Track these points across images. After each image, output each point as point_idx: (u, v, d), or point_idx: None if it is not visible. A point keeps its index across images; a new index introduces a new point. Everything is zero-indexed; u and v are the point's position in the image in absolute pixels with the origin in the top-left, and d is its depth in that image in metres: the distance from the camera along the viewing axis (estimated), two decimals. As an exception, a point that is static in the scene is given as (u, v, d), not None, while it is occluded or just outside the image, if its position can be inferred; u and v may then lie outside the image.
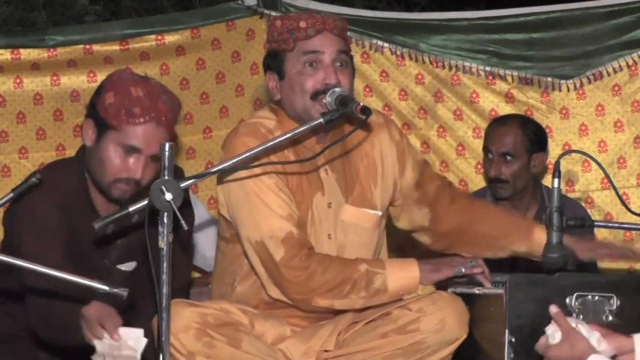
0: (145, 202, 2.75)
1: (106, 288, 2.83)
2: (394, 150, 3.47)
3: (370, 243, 3.43)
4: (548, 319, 2.82)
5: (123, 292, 2.82)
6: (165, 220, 2.70)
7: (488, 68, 4.83)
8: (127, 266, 3.53)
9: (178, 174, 3.61)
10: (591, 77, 4.79)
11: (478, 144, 4.77)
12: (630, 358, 2.73)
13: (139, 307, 3.42)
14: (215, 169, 3.01)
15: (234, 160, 2.95)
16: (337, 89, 3.21)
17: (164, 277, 2.70)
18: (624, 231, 4.73)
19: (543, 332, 2.82)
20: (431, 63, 4.85)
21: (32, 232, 3.33)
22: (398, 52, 4.86)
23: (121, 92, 3.36)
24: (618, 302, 3.09)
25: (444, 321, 3.18)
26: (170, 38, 4.80)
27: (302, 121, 3.25)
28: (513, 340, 3.07)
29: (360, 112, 3.07)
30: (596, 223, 3.82)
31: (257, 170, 3.25)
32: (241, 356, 3.18)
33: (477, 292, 3.29)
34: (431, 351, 3.20)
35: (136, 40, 4.77)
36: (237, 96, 4.89)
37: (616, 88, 4.77)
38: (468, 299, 3.28)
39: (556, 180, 3.19)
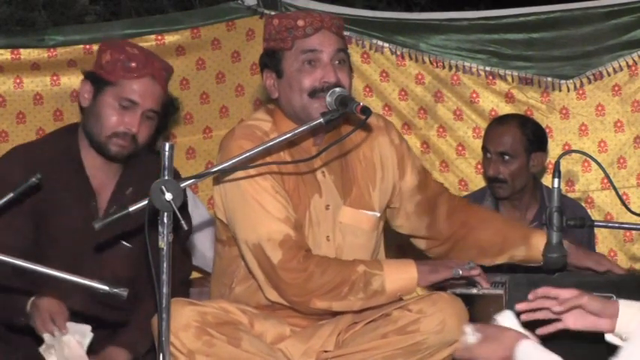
0: (145, 202, 2.75)
1: (106, 288, 2.83)
2: (394, 154, 3.47)
3: (368, 244, 3.43)
4: (548, 319, 2.81)
5: (123, 292, 2.83)
6: (165, 220, 2.70)
7: (488, 68, 4.83)
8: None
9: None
10: (591, 77, 4.79)
11: (478, 144, 4.77)
12: (611, 323, 2.72)
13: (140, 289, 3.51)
14: (215, 169, 3.01)
15: (233, 160, 2.95)
16: (337, 89, 3.21)
17: (164, 277, 2.70)
18: (624, 231, 4.73)
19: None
20: (431, 63, 4.85)
21: None
22: (398, 52, 4.86)
23: (117, 50, 3.51)
24: (618, 302, 3.09)
25: (444, 322, 3.18)
26: (170, 38, 4.80)
27: (300, 120, 3.25)
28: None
29: (360, 112, 3.07)
30: (596, 223, 3.83)
31: (253, 173, 3.25)
32: (241, 355, 3.18)
33: (477, 292, 3.29)
34: (431, 352, 3.20)
35: (136, 40, 4.75)
36: (237, 96, 4.89)
37: (616, 88, 4.77)
38: (468, 300, 3.28)
39: (556, 180, 3.19)
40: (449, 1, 7.17)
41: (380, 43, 4.86)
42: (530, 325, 2.76)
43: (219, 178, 3.33)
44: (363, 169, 3.42)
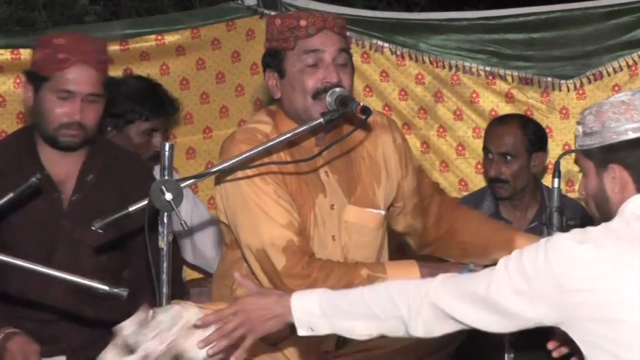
0: (145, 202, 2.75)
1: (106, 288, 2.84)
2: (397, 153, 3.46)
3: (374, 243, 3.43)
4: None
5: (123, 292, 2.83)
6: (165, 220, 2.70)
7: (488, 68, 4.83)
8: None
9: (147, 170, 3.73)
10: (591, 77, 4.79)
11: (478, 144, 4.77)
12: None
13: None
14: (215, 169, 3.01)
15: (233, 160, 2.95)
16: (337, 89, 3.21)
17: (164, 277, 2.70)
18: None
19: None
20: (431, 63, 4.85)
21: None
22: (398, 52, 4.86)
23: (45, 45, 3.60)
24: (618, 302, 3.08)
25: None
26: (170, 38, 4.80)
27: (301, 121, 3.25)
28: (513, 340, 3.07)
29: (360, 112, 3.07)
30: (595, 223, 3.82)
31: (255, 178, 3.24)
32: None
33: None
34: (431, 351, 3.20)
35: (136, 40, 4.76)
36: (237, 96, 4.89)
37: (616, 88, 4.77)
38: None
39: (556, 180, 3.19)
40: (449, 1, 7.18)
41: (380, 43, 4.86)
42: None
43: (221, 182, 3.32)
44: (367, 167, 3.42)
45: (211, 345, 2.73)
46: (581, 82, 4.79)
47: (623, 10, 4.76)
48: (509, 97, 4.83)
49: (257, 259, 3.25)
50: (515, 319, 2.50)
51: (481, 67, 4.83)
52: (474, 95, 4.85)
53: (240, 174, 3.25)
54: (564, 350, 2.79)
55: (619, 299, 2.40)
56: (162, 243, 2.71)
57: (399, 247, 4.87)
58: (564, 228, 3.21)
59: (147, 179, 3.68)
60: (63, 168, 3.62)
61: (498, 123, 4.52)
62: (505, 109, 4.81)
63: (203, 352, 2.72)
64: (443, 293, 2.55)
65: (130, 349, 2.71)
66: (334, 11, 4.69)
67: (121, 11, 7.22)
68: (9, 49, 4.63)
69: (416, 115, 4.88)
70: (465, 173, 4.88)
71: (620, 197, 2.56)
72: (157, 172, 4.22)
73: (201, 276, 4.60)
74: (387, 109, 4.84)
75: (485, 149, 4.51)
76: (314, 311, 2.65)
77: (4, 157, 3.61)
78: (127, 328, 2.71)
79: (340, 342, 3.30)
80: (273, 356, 3.24)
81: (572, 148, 4.74)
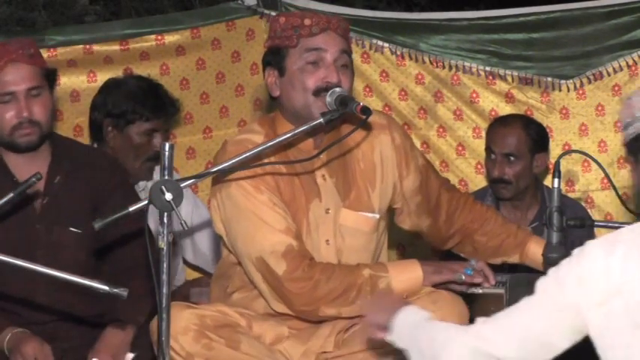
0: (145, 202, 2.75)
1: (105, 288, 2.83)
2: (395, 153, 3.44)
3: (368, 246, 3.41)
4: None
5: (123, 292, 2.83)
6: (165, 220, 2.70)
7: (488, 68, 4.83)
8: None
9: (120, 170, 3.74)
10: (591, 77, 4.79)
11: (478, 144, 4.77)
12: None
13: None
14: (215, 169, 3.01)
15: (234, 161, 2.94)
16: (337, 89, 3.20)
17: (164, 277, 2.70)
18: (624, 231, 4.72)
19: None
20: (431, 63, 4.85)
21: None
22: (398, 52, 4.86)
23: None
24: (618, 302, 3.08)
25: (444, 320, 3.16)
26: (170, 38, 4.80)
27: (300, 120, 3.24)
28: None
29: (360, 112, 3.07)
30: (596, 223, 3.82)
31: (249, 188, 3.23)
32: (240, 357, 3.17)
33: (478, 291, 3.29)
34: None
35: (136, 40, 4.77)
36: (237, 96, 4.89)
37: (616, 88, 4.77)
38: (469, 299, 3.28)
39: (556, 180, 3.19)
40: (449, 1, 7.17)
41: (380, 43, 4.86)
42: None
43: (215, 194, 3.31)
44: (362, 170, 3.40)
45: None
46: (581, 82, 4.79)
47: (623, 10, 4.76)
48: (509, 97, 4.83)
49: (257, 268, 3.24)
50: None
51: (481, 67, 4.83)
52: (474, 95, 4.85)
53: (233, 185, 3.25)
54: None
55: None
56: (162, 243, 2.71)
57: (399, 248, 4.89)
58: (564, 228, 3.21)
59: (116, 171, 3.73)
60: (30, 171, 3.57)
61: (501, 124, 4.51)
62: (505, 109, 4.80)
63: None
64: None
65: None
66: (334, 11, 4.70)
67: (121, 11, 7.22)
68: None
69: (416, 115, 4.88)
70: (465, 173, 4.88)
71: None
72: (157, 172, 4.23)
73: (201, 276, 4.60)
74: (387, 109, 4.84)
75: (488, 150, 4.50)
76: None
77: None
78: None
79: (340, 341, 3.30)
80: (272, 357, 3.24)
81: (572, 148, 4.75)
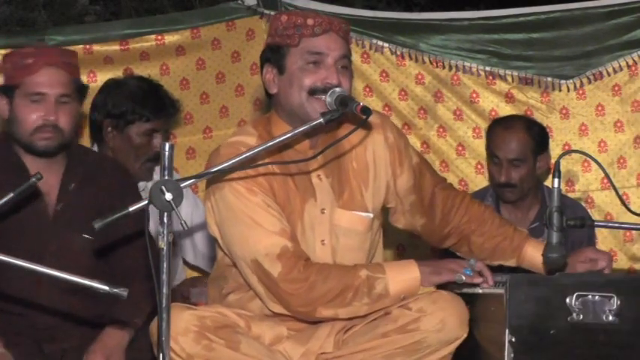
0: (145, 202, 2.75)
1: (106, 288, 2.83)
2: (388, 152, 3.43)
3: (363, 246, 3.41)
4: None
5: (123, 292, 2.83)
6: (165, 220, 2.70)
7: (488, 68, 4.83)
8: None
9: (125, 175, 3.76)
10: (591, 77, 4.79)
11: (478, 144, 4.77)
12: None
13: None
14: (215, 169, 3.00)
15: (233, 161, 2.94)
16: (337, 89, 3.20)
17: (164, 277, 2.70)
18: (624, 231, 4.73)
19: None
20: (431, 63, 4.86)
21: None
22: (398, 52, 4.86)
23: (13, 56, 3.70)
24: (618, 302, 3.09)
25: (444, 320, 3.17)
26: (170, 38, 4.80)
27: (296, 118, 3.25)
28: (513, 339, 3.07)
29: (361, 112, 3.07)
30: (596, 223, 3.82)
31: (243, 190, 3.23)
32: (240, 358, 3.17)
33: (478, 291, 3.29)
34: (431, 350, 3.20)
35: (136, 40, 4.77)
36: (237, 96, 4.89)
37: (616, 88, 4.77)
38: (469, 299, 3.28)
39: (556, 180, 3.19)
40: (449, 1, 7.18)
41: (380, 43, 4.86)
42: None
43: (210, 197, 3.31)
44: (355, 169, 3.40)
45: None
46: (581, 82, 4.79)
47: (623, 10, 4.76)
48: (509, 97, 4.83)
49: (252, 270, 3.23)
50: None
51: (481, 67, 4.83)
52: (474, 95, 4.85)
53: (227, 188, 3.24)
54: None
55: None
56: (162, 243, 2.70)
57: (399, 248, 4.89)
58: (564, 228, 3.21)
59: (127, 183, 3.75)
60: (47, 177, 3.61)
61: (504, 128, 4.48)
62: (505, 109, 4.81)
63: None
64: None
65: None
66: (334, 11, 4.70)
67: (121, 11, 7.23)
68: (9, 49, 4.63)
69: (416, 115, 4.88)
70: (465, 173, 4.88)
71: None
72: (157, 172, 4.23)
73: (201, 275, 4.60)
74: (387, 109, 4.84)
75: (491, 155, 4.48)
76: None
77: None
78: None
79: (340, 342, 3.29)
80: (272, 357, 3.24)
81: (572, 148, 4.76)
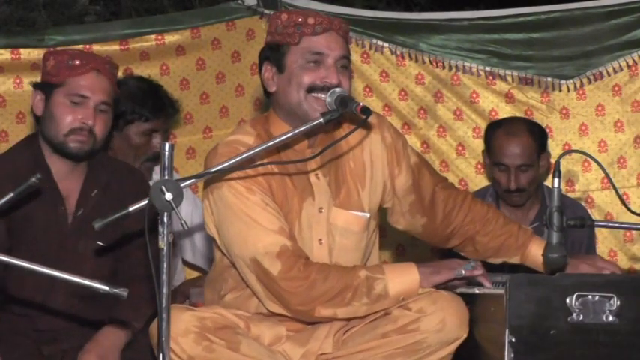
0: (145, 202, 2.75)
1: (106, 288, 2.83)
2: (385, 152, 3.44)
3: (359, 246, 3.41)
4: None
5: (123, 292, 2.83)
6: (165, 220, 2.70)
7: (488, 68, 4.83)
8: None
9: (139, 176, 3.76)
10: (591, 77, 4.79)
11: (478, 144, 4.76)
12: None
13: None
14: (215, 169, 3.00)
15: (233, 161, 2.94)
16: (337, 89, 3.21)
17: (164, 277, 2.70)
18: (624, 231, 4.73)
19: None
20: (431, 63, 4.86)
21: None
22: (398, 52, 4.86)
23: (59, 54, 3.65)
24: (618, 302, 3.09)
25: (444, 321, 3.17)
26: (170, 38, 4.80)
27: (294, 116, 3.25)
28: (513, 339, 3.07)
29: (361, 112, 3.07)
30: (596, 223, 3.82)
31: (241, 189, 3.23)
32: (241, 359, 3.17)
33: (478, 291, 3.29)
34: (431, 350, 3.20)
35: (136, 40, 4.77)
36: (237, 96, 4.89)
37: (616, 88, 4.77)
38: (469, 299, 3.28)
39: (556, 180, 3.19)
40: (449, 1, 7.17)
41: (380, 43, 4.86)
42: None
43: (208, 196, 3.31)
44: (352, 169, 3.40)
45: None
46: (581, 82, 4.79)
47: (623, 10, 4.76)
48: (509, 97, 4.83)
49: (251, 269, 3.23)
50: None
51: (481, 67, 4.83)
52: (474, 95, 4.85)
53: (225, 187, 3.24)
54: None
55: None
56: (162, 243, 2.70)
57: (399, 248, 4.89)
58: (564, 228, 3.21)
59: (145, 188, 3.72)
60: (69, 181, 3.64)
61: (507, 134, 4.42)
62: (505, 109, 4.80)
63: None
64: None
65: None
66: (334, 11, 4.70)
67: (121, 11, 7.22)
68: (9, 49, 4.64)
69: (416, 115, 4.88)
70: (465, 173, 4.88)
71: None
72: (157, 172, 4.23)
73: (201, 275, 4.60)
74: (387, 109, 4.85)
75: (496, 162, 4.44)
76: None
77: (11, 169, 3.59)
78: None
79: (339, 342, 3.29)
80: (272, 357, 3.24)
81: (572, 148, 4.75)
